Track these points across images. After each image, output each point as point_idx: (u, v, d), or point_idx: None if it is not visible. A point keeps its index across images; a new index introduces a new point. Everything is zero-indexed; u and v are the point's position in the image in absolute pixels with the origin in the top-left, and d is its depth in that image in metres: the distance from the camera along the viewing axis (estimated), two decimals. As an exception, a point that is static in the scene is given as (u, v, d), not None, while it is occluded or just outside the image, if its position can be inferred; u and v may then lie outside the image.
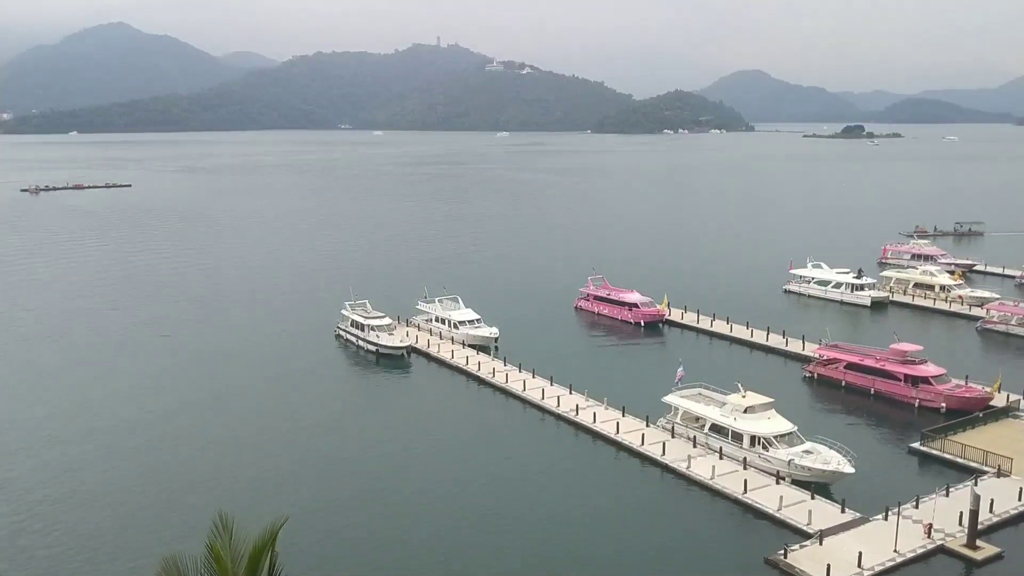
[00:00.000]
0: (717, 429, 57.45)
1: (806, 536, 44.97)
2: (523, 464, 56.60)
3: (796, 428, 55.62)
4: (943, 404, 65.42)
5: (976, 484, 46.00)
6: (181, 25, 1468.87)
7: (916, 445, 57.75)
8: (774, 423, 55.86)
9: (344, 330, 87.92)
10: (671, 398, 61.75)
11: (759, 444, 54.41)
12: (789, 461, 52.35)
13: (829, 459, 52.22)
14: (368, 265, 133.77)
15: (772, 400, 58.44)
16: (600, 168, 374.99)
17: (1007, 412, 62.83)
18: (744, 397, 58.15)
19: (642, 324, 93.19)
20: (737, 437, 55.74)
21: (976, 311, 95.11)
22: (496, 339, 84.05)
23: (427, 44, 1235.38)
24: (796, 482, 51.64)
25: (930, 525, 45.08)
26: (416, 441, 60.54)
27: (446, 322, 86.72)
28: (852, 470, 51.19)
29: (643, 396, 64.73)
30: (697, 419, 59.42)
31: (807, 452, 53.22)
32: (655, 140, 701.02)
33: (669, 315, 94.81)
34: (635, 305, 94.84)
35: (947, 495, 48.11)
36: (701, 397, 61.05)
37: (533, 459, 57.48)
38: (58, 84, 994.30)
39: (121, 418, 65.37)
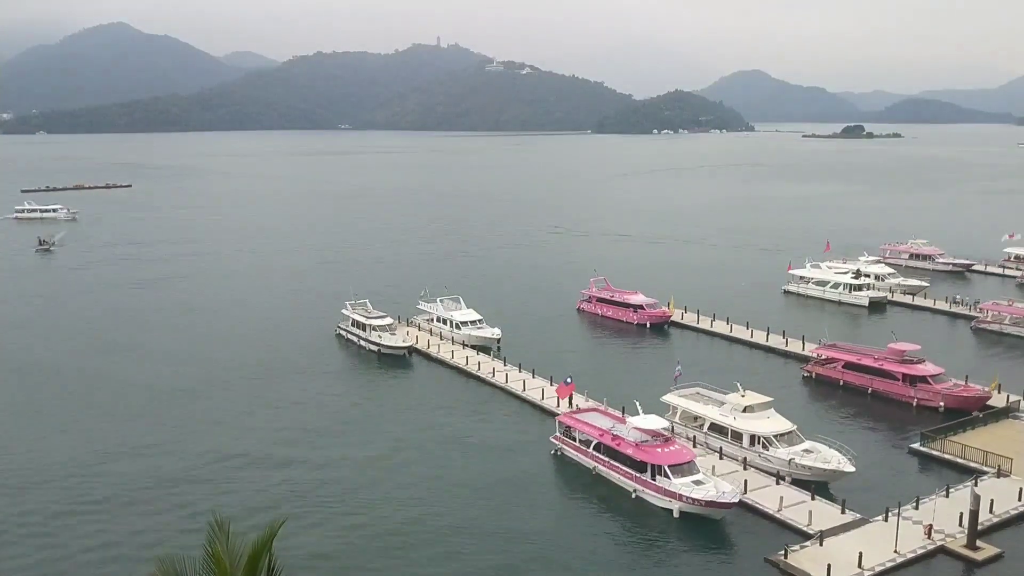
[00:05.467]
0: (716, 428, 57.55)
1: (806, 537, 45.01)
2: (522, 463, 56.62)
3: (796, 427, 55.71)
4: (941, 403, 65.47)
5: (976, 485, 46.01)
6: (181, 25, 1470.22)
7: (916, 446, 57.76)
8: (773, 422, 55.93)
9: (345, 330, 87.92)
10: (669, 397, 61.84)
11: (759, 443, 54.49)
12: (789, 460, 52.43)
13: (829, 458, 52.36)
14: (368, 265, 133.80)
15: (771, 399, 58.51)
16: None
17: (1007, 412, 62.85)
18: (743, 396, 58.26)
19: (648, 325, 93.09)
20: (736, 436, 55.84)
21: (974, 311, 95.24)
22: (498, 340, 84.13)
23: (427, 44, 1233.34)
24: (796, 481, 51.71)
25: (930, 526, 45.12)
26: (417, 442, 60.54)
27: (448, 322, 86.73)
28: (852, 469, 51.29)
29: (643, 396, 64.66)
30: (696, 418, 59.51)
31: (807, 451, 53.34)
32: (650, 140, 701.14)
33: (675, 316, 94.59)
34: (640, 307, 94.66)
35: (947, 496, 48.16)
36: (700, 397, 61.16)
37: (532, 459, 57.52)
38: (58, 84, 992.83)
39: (119, 417, 65.38)
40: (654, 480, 49.95)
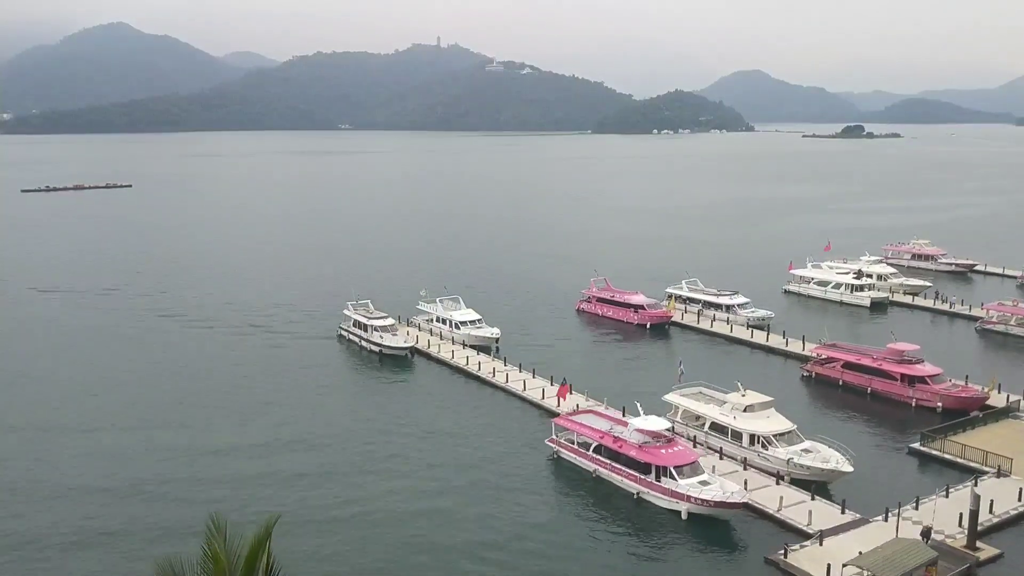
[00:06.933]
0: (717, 428, 57.56)
1: (806, 536, 45.01)
2: (522, 464, 56.63)
3: (795, 427, 55.67)
4: (939, 403, 65.51)
5: (976, 485, 46.00)
6: (181, 25, 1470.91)
7: (916, 446, 57.73)
8: (773, 422, 55.91)
9: (347, 330, 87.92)
10: (671, 396, 61.85)
11: (758, 443, 54.48)
12: (788, 460, 52.40)
13: (828, 458, 52.38)
14: (369, 265, 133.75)
15: (772, 399, 58.46)
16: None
17: (1007, 412, 62.81)
18: (744, 396, 58.25)
19: (648, 326, 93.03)
20: (736, 436, 55.84)
21: (976, 311, 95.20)
22: (497, 339, 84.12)
23: (427, 44, 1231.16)
24: (795, 481, 51.68)
25: (930, 527, 45.08)
26: (418, 442, 60.53)
27: (447, 322, 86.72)
28: (851, 469, 51.27)
29: (643, 396, 64.66)
30: (697, 417, 59.52)
31: (806, 451, 53.33)
32: (650, 140, 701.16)
33: (676, 317, 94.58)
34: (641, 307, 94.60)
35: (947, 496, 48.10)
36: (702, 396, 61.15)
37: (533, 460, 57.51)
38: (58, 84, 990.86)
39: (117, 417, 65.34)
40: (659, 481, 49.77)
